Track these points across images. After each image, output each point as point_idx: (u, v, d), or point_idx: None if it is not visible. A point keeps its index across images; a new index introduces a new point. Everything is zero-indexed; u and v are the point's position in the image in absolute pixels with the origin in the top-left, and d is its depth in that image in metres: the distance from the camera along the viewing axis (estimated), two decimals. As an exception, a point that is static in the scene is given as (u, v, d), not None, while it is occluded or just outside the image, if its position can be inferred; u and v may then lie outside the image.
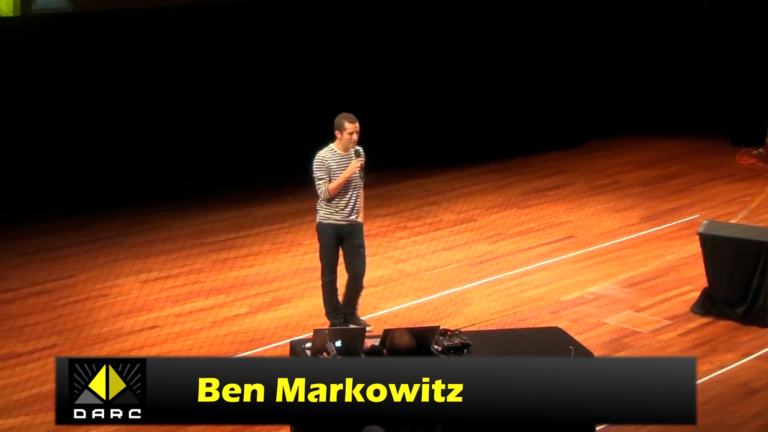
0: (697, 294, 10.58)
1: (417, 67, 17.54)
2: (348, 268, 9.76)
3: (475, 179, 15.17)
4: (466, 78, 17.90)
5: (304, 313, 10.28)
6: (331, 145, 9.60)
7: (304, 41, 16.61)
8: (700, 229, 10.55)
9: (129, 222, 12.97)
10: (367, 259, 11.62)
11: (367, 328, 9.66)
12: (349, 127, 9.54)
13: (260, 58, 16.36)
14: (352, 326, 9.67)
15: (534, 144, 16.93)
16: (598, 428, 7.92)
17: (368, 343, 7.36)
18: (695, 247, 10.96)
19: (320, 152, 9.59)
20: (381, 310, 10.39)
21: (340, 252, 9.73)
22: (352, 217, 9.66)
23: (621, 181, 15.23)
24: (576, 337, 8.11)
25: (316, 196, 9.62)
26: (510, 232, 12.77)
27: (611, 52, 18.67)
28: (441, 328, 7.68)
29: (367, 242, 12.15)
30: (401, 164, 15.80)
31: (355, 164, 9.53)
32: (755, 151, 16.30)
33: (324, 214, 9.61)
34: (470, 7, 17.91)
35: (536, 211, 13.64)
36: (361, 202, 9.73)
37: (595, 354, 7.89)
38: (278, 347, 9.46)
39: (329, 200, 9.55)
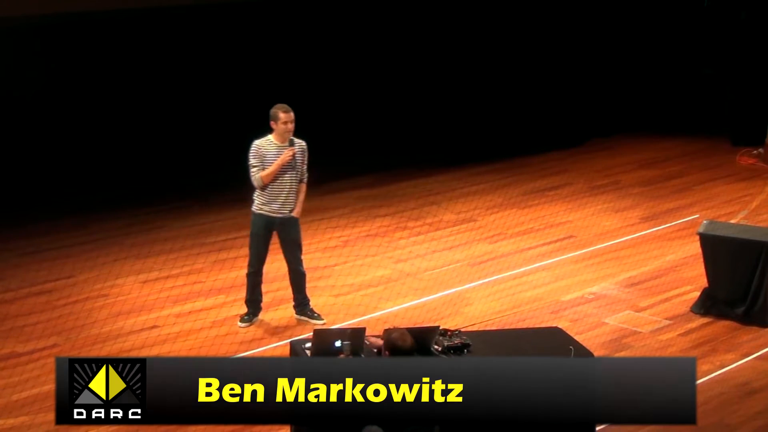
0: (697, 294, 10.57)
1: (417, 67, 17.55)
2: (286, 261, 9.98)
3: (475, 179, 15.17)
4: (466, 78, 17.91)
5: (304, 313, 10.28)
6: (269, 136, 9.70)
7: (304, 41, 16.62)
8: (700, 229, 10.55)
9: (129, 222, 12.96)
10: (367, 259, 11.71)
11: (321, 322, 9.90)
12: (283, 117, 9.62)
13: (260, 58, 16.37)
14: (303, 318, 10.07)
15: (534, 144, 16.94)
16: (598, 428, 7.92)
17: (375, 341, 7.33)
18: (695, 247, 10.96)
19: (257, 141, 9.73)
20: (381, 310, 10.38)
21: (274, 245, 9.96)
22: (285, 210, 9.73)
23: (621, 181, 15.23)
24: (576, 337, 8.10)
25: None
26: (510, 232, 12.77)
27: (611, 52, 18.67)
28: (441, 328, 7.67)
29: (367, 242, 12.26)
30: (401, 164, 15.80)
31: (287, 153, 9.60)
32: (755, 151, 16.30)
33: (257, 204, 9.80)
34: (470, 7, 17.92)
35: (536, 211, 13.64)
36: (301, 197, 9.79)
37: (595, 354, 7.89)
38: (278, 347, 9.46)
39: (262, 188, 9.68)
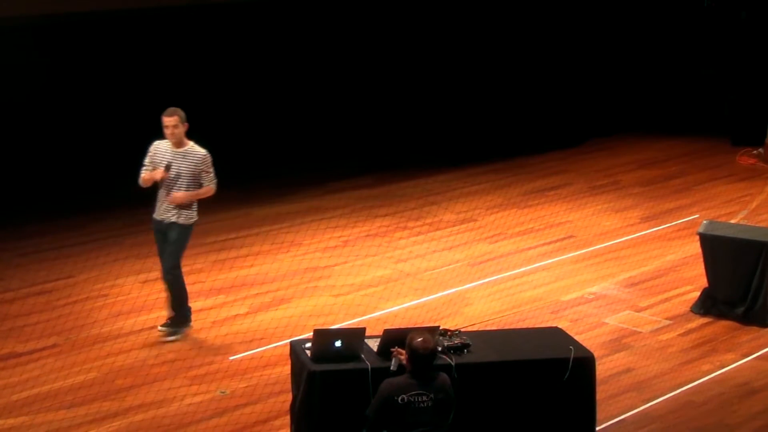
0: (697, 294, 10.57)
1: (417, 67, 17.55)
2: None
3: (475, 179, 15.17)
4: (466, 78, 17.91)
5: (304, 313, 10.27)
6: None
7: (305, 42, 16.62)
8: (700, 229, 10.55)
9: (129, 222, 12.95)
10: (367, 259, 11.72)
11: (170, 338, 9.60)
12: (163, 121, 9.37)
13: (261, 58, 16.37)
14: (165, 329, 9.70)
15: (534, 144, 16.94)
16: (598, 428, 7.92)
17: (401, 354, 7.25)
18: (695, 247, 10.96)
19: (156, 141, 9.56)
20: (381, 310, 10.37)
21: None
22: (167, 215, 9.49)
23: (621, 181, 15.23)
24: (576, 337, 8.10)
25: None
26: (510, 232, 12.76)
27: (611, 52, 18.67)
28: (441, 328, 7.67)
29: (367, 242, 12.26)
30: (401, 164, 15.80)
31: (157, 173, 9.37)
32: (755, 151, 16.30)
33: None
34: (470, 8, 17.92)
35: (536, 211, 13.64)
36: (197, 191, 9.46)
37: (595, 354, 7.88)
38: (278, 347, 9.45)
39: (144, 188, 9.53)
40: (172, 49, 15.51)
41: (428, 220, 13.13)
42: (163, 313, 10.21)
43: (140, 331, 9.88)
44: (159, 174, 9.38)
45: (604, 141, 17.60)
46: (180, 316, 9.70)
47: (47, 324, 9.89)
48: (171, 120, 9.34)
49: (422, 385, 6.73)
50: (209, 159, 9.52)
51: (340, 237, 12.49)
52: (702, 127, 17.84)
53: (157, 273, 11.13)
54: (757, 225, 12.11)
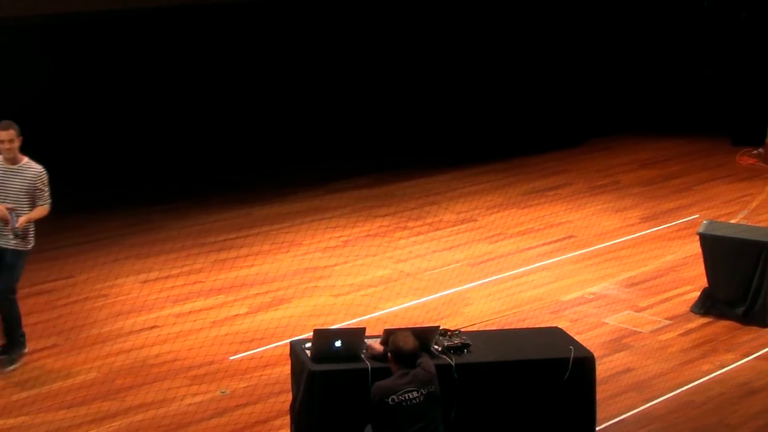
0: (697, 294, 10.57)
1: (417, 67, 17.56)
2: None
3: (475, 179, 15.17)
4: (466, 78, 17.91)
5: (304, 313, 10.27)
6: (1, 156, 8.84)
7: (305, 42, 16.62)
8: (700, 229, 10.55)
9: (129, 222, 12.96)
10: (367, 259, 11.70)
11: (10, 367, 9.06)
12: (0, 135, 8.68)
13: (261, 58, 16.37)
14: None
15: (534, 144, 16.94)
16: (598, 428, 7.92)
17: (375, 345, 7.31)
18: (695, 247, 10.96)
19: None
20: (381, 310, 10.38)
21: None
22: (3, 240, 8.85)
23: (621, 181, 15.23)
24: (576, 337, 8.10)
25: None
26: (510, 232, 12.76)
27: (611, 52, 18.68)
28: (441, 328, 7.67)
29: (367, 242, 12.26)
30: (401, 164, 15.80)
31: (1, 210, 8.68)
32: (755, 151, 16.29)
33: None
34: (470, 8, 17.92)
35: (536, 211, 13.63)
36: (34, 213, 8.88)
37: (595, 354, 7.89)
38: (278, 347, 9.45)
39: None
40: (172, 49, 15.52)
41: (428, 220, 13.13)
42: (165, 313, 10.26)
43: (140, 331, 9.88)
44: (2, 210, 8.68)
45: (604, 141, 17.60)
46: (13, 341, 9.19)
47: (47, 324, 9.89)
48: (7, 134, 8.67)
49: (410, 382, 6.77)
50: (46, 176, 8.93)
51: (340, 237, 12.49)
52: (702, 127, 17.84)
53: (157, 273, 11.19)
54: (757, 225, 12.10)
